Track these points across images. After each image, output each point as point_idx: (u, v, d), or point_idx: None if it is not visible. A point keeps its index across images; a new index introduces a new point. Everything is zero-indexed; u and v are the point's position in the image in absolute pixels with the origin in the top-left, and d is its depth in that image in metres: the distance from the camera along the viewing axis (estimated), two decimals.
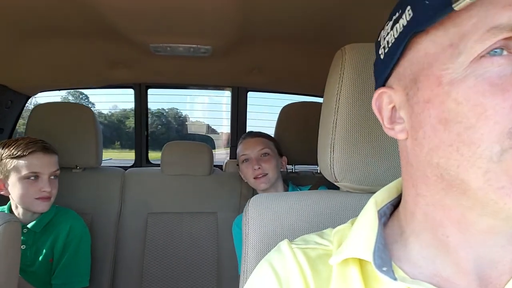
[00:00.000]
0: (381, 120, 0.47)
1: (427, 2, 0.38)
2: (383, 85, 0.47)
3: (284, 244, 0.51)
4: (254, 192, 1.70)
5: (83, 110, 1.56)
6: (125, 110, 3.05)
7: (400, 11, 0.43)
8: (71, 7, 1.00)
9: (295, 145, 1.67)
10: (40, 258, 1.26)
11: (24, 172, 1.19)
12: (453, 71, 0.37)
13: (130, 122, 2.73)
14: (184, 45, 1.30)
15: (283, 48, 1.44)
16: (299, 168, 1.80)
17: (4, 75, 1.46)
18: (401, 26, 0.42)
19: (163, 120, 2.83)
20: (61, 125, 1.51)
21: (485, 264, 0.40)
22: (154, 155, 2.33)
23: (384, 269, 0.40)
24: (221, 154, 2.50)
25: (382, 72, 0.46)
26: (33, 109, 1.55)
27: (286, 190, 1.48)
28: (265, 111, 2.43)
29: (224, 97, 2.29)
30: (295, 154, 1.67)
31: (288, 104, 1.79)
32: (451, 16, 0.37)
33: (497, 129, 0.34)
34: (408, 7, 0.41)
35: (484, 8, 0.35)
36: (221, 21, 1.11)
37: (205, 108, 2.86)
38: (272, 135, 1.73)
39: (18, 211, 1.25)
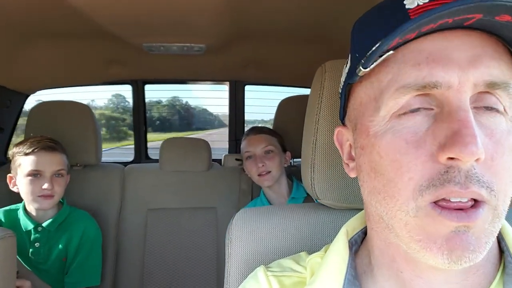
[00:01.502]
0: (342, 155, 0.49)
1: (356, 55, 0.40)
2: (342, 120, 0.48)
3: (260, 272, 0.52)
4: (253, 186, 1.71)
5: (81, 108, 1.57)
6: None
7: (348, 57, 0.45)
8: (66, 10, 1.01)
9: (294, 139, 1.68)
10: (53, 256, 1.30)
11: (27, 169, 1.23)
12: (376, 123, 0.38)
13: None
14: (177, 44, 1.30)
15: (277, 43, 1.43)
16: (298, 161, 1.81)
17: (3, 76, 1.47)
18: (345, 73, 0.45)
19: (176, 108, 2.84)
20: (59, 123, 1.52)
21: None
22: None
23: None
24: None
25: (340, 109, 0.48)
26: (32, 109, 1.56)
27: (290, 185, 1.50)
28: (263, 104, 2.43)
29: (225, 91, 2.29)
30: (293, 147, 1.67)
31: (286, 98, 1.79)
32: (375, 70, 0.38)
33: (411, 184, 0.35)
34: (349, 56, 0.43)
35: (397, 65, 0.37)
36: (213, 20, 1.11)
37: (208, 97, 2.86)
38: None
39: (30, 209, 1.28)
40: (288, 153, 1.55)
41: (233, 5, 1.01)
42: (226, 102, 2.29)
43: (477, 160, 0.33)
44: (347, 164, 0.48)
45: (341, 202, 0.63)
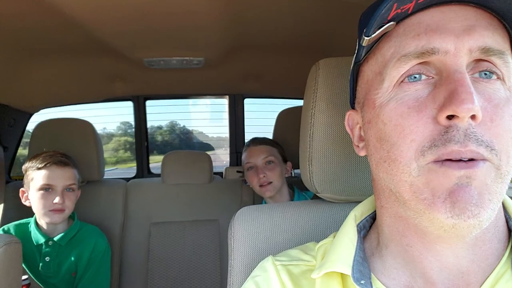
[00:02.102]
0: (352, 138, 0.51)
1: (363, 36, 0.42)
2: (352, 106, 0.51)
3: (268, 262, 0.53)
4: (255, 198, 1.72)
5: (83, 125, 1.59)
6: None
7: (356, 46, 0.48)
8: (69, 27, 1.04)
9: (293, 149, 1.69)
10: (63, 271, 1.30)
11: (39, 183, 1.24)
12: (381, 95, 0.41)
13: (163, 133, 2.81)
14: (177, 58, 1.33)
15: (275, 56, 1.46)
16: (298, 172, 1.82)
17: (6, 95, 1.50)
18: (354, 57, 0.47)
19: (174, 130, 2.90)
20: (62, 140, 1.54)
21: (453, 275, 0.41)
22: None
23: (362, 282, 0.42)
24: (225, 154, 2.53)
25: (350, 95, 0.51)
26: (36, 127, 1.58)
27: (291, 195, 1.50)
28: (262, 116, 2.46)
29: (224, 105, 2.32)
30: (293, 158, 1.69)
31: (285, 109, 1.82)
32: (379, 47, 0.42)
33: (413, 146, 0.37)
34: (357, 43, 0.46)
35: (399, 38, 0.40)
36: (211, 34, 1.14)
37: (207, 115, 2.90)
38: None
39: (42, 223, 1.29)
40: (289, 163, 1.56)
41: (231, 18, 1.04)
42: (225, 122, 2.32)
43: (474, 118, 0.35)
44: (357, 146, 0.50)
45: (340, 195, 0.64)
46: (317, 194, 0.68)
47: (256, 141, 1.54)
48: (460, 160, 0.35)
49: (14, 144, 1.78)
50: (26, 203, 1.29)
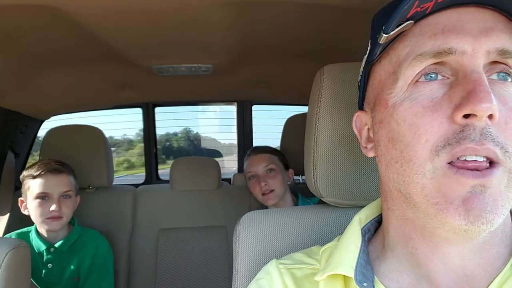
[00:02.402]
0: (359, 139, 0.51)
1: (376, 36, 0.42)
2: (361, 107, 0.50)
3: (272, 265, 0.54)
4: (262, 205, 1.72)
5: (93, 132, 1.61)
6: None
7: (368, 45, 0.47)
8: (78, 37, 1.05)
9: (301, 156, 1.69)
10: (66, 276, 1.31)
11: (35, 192, 1.25)
12: (395, 95, 0.40)
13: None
14: (185, 65, 1.34)
15: (284, 63, 1.46)
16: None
17: (18, 102, 1.53)
18: (365, 59, 0.47)
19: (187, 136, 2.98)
20: (73, 147, 1.57)
21: (458, 278, 0.40)
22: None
23: (365, 284, 0.42)
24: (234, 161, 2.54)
25: (359, 96, 0.50)
26: (47, 133, 1.61)
27: (295, 202, 1.50)
28: (270, 123, 2.46)
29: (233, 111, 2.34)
30: (301, 164, 1.68)
31: (293, 116, 1.82)
32: (393, 47, 0.41)
33: (428, 146, 0.37)
34: (369, 42, 0.46)
35: (415, 38, 0.39)
36: (220, 41, 1.15)
37: (215, 122, 2.93)
38: (278, 146, 1.76)
39: (42, 230, 1.30)
40: (291, 170, 1.57)
41: (240, 27, 1.05)
42: (233, 129, 2.33)
43: (491, 118, 0.34)
44: (365, 147, 0.49)
45: (344, 199, 0.64)
46: (321, 199, 0.68)
47: (257, 150, 1.55)
48: (474, 165, 0.35)
49: (25, 150, 1.80)
50: (25, 212, 1.29)
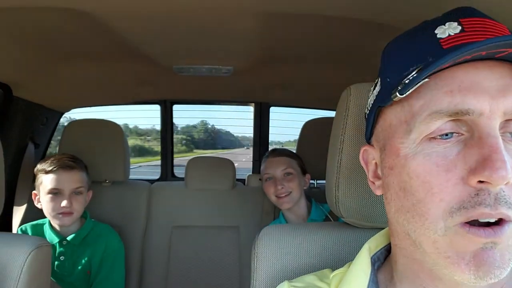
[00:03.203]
0: (367, 173, 0.50)
1: (388, 80, 0.41)
2: (369, 139, 0.50)
3: (284, 287, 0.54)
4: (275, 207, 1.71)
5: (113, 127, 1.63)
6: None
7: (377, 79, 0.46)
8: (101, 35, 1.07)
9: (317, 160, 1.68)
10: (78, 269, 1.33)
11: (47, 187, 1.28)
12: (407, 146, 0.40)
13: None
14: (206, 66, 1.35)
15: (303, 67, 1.46)
16: (321, 183, 1.80)
17: (41, 95, 1.56)
18: (374, 95, 0.46)
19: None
20: (92, 141, 1.59)
21: None
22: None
23: None
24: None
25: (367, 129, 0.49)
26: (66, 126, 1.63)
27: (309, 207, 1.49)
28: (287, 125, 2.46)
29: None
30: (317, 169, 1.67)
31: (310, 120, 1.81)
32: (406, 96, 0.39)
33: (442, 206, 0.36)
34: (379, 79, 0.45)
35: (430, 91, 0.38)
36: (242, 44, 1.15)
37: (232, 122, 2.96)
38: (295, 149, 1.75)
39: (54, 223, 1.32)
40: (308, 175, 1.55)
41: (264, 34, 1.05)
42: (250, 123, 2.32)
43: (506, 183, 0.34)
44: (373, 182, 0.49)
45: (365, 221, 0.63)
46: (342, 219, 0.68)
47: (276, 152, 1.54)
48: (487, 225, 0.35)
49: (45, 141, 1.84)
50: (38, 206, 1.32)
